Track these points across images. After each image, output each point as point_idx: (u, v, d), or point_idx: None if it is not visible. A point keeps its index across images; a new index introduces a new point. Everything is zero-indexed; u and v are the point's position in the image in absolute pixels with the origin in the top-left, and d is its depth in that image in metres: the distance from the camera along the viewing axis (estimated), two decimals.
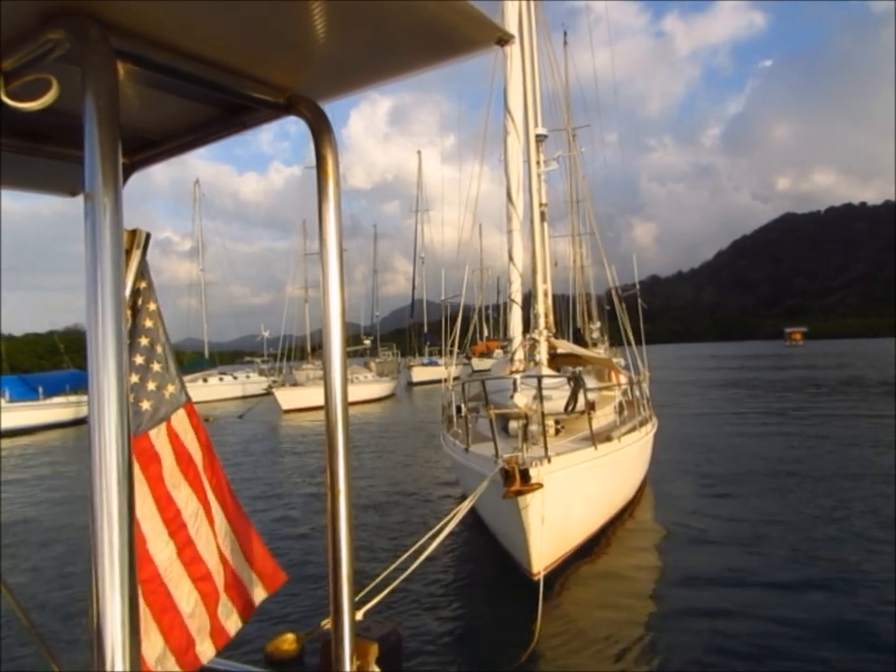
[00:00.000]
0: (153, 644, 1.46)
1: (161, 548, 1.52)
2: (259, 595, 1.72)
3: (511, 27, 10.01)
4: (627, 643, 6.28)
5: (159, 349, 1.63)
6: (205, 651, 1.55)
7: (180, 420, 1.64)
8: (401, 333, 79.50)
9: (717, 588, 7.53)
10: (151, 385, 1.60)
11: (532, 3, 13.89)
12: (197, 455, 1.65)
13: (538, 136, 13.93)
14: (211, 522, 1.63)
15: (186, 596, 1.54)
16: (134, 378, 1.57)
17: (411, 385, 53.84)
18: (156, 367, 1.62)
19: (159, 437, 1.58)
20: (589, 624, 6.71)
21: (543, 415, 8.07)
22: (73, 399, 29.91)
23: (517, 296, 11.67)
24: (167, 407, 1.62)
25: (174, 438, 1.61)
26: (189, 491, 1.60)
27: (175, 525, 1.55)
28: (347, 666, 1.40)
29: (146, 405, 1.58)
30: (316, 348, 47.73)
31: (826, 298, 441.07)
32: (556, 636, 6.45)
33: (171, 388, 1.64)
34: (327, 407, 1.40)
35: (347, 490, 1.41)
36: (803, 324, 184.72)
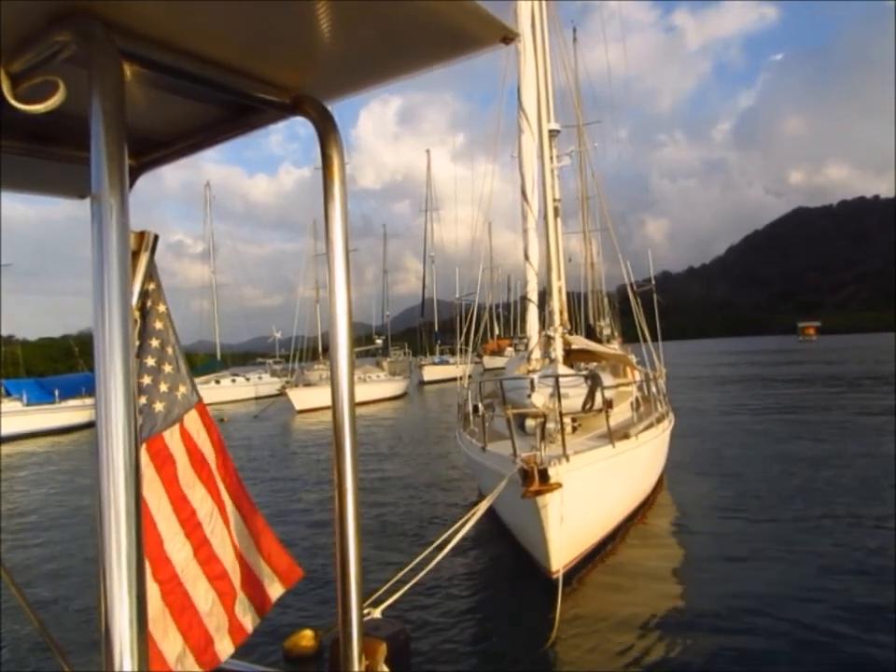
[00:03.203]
0: (172, 643, 1.48)
1: (177, 548, 1.54)
2: (276, 591, 1.74)
3: (524, 25, 9.96)
4: (646, 641, 6.23)
5: (169, 350, 1.64)
6: (224, 648, 1.57)
7: (193, 420, 1.65)
8: (412, 332, 79.85)
9: (736, 585, 7.44)
10: (163, 387, 1.61)
11: (545, 1, 13.78)
12: (210, 455, 1.66)
13: (551, 132, 13.86)
14: (226, 521, 1.64)
15: (203, 595, 1.56)
16: (147, 380, 1.59)
17: (422, 383, 54.12)
18: (167, 368, 1.63)
19: (172, 438, 1.59)
20: (608, 623, 6.66)
21: (561, 415, 8.01)
22: (88, 401, 30.16)
23: (533, 295, 11.57)
24: (179, 408, 1.63)
25: (187, 438, 1.62)
26: (203, 491, 1.61)
27: (190, 525, 1.56)
28: (356, 666, 1.40)
29: (159, 406, 1.59)
30: (328, 348, 47.82)
31: (839, 292, 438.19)
32: (575, 634, 6.42)
33: (182, 389, 1.65)
34: (334, 405, 1.41)
35: (355, 488, 1.42)
36: (816, 319, 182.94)
